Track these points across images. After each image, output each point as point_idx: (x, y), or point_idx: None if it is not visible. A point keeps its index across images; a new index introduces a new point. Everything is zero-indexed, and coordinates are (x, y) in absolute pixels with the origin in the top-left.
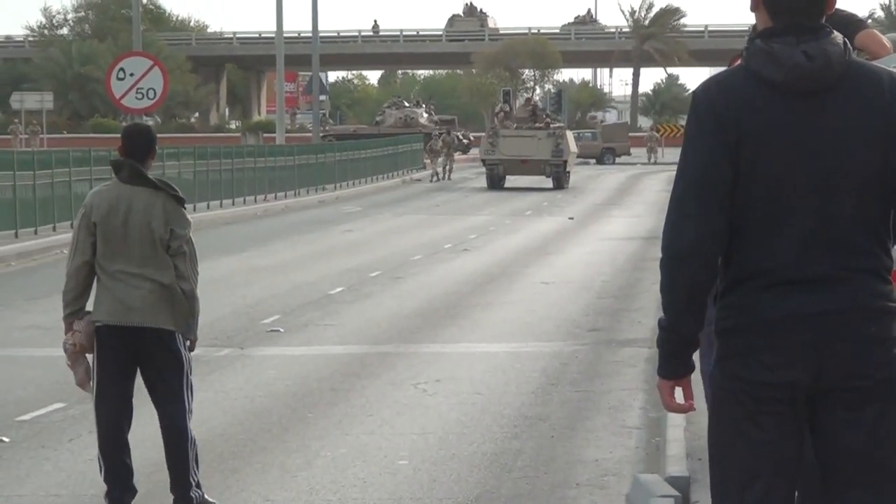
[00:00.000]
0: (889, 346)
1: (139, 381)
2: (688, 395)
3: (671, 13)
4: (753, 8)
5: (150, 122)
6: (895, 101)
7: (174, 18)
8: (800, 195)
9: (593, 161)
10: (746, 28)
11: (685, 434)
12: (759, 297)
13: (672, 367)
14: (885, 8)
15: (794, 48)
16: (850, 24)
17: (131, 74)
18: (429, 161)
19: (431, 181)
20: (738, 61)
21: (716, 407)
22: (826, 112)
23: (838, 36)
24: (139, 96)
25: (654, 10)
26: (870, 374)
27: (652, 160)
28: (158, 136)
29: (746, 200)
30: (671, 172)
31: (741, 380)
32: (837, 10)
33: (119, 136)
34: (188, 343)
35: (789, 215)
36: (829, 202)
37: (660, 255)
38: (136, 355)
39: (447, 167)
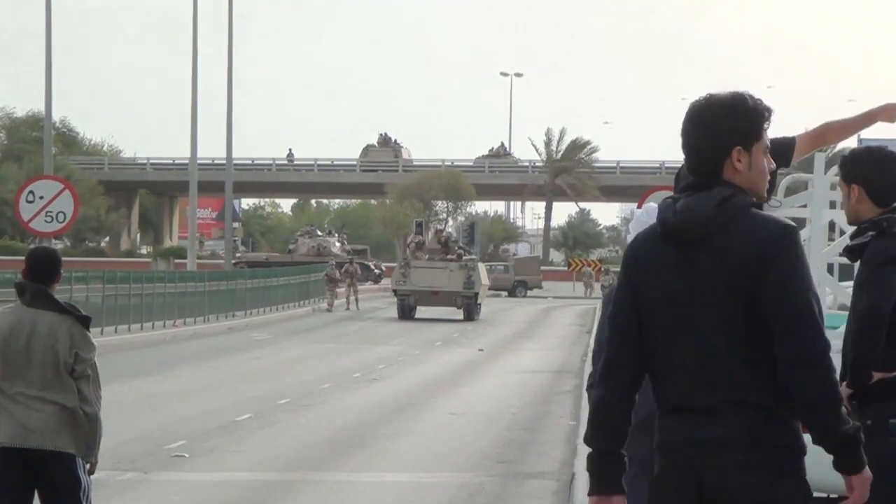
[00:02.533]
0: (756, 475)
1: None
2: None
3: (581, 146)
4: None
5: (59, 246)
6: (778, 247)
7: (87, 142)
8: (682, 334)
9: (505, 293)
10: (657, 165)
11: None
12: (662, 423)
13: (593, 482)
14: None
15: (674, 204)
16: (782, 144)
17: (41, 197)
18: (328, 290)
19: (328, 310)
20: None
21: None
22: (701, 258)
23: (721, 192)
24: (48, 219)
25: (566, 141)
26: (739, 501)
27: (588, 294)
28: (68, 259)
29: (650, 338)
30: (583, 306)
31: (662, 495)
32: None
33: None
34: (88, 466)
35: (677, 353)
36: (706, 340)
37: (568, 388)
38: (34, 478)
39: (351, 297)
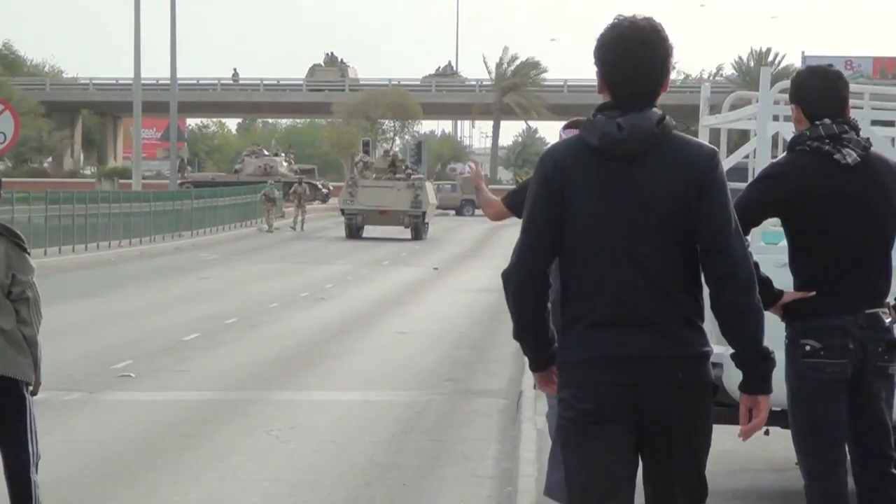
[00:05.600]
0: (694, 389)
1: None
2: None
3: (531, 66)
4: (600, 91)
5: (0, 167)
6: (709, 166)
7: (29, 63)
8: (612, 245)
9: (453, 212)
10: None
11: (536, 484)
12: (585, 337)
13: (537, 363)
14: (737, 66)
15: (612, 120)
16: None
17: None
18: (266, 209)
19: (266, 230)
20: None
21: (558, 435)
22: (635, 173)
23: (656, 113)
24: None
25: (516, 62)
26: (676, 418)
27: None
28: (9, 180)
29: (573, 248)
30: None
31: (573, 408)
32: None
33: None
34: (31, 388)
35: (607, 262)
36: (638, 251)
37: None
38: None
39: (299, 218)
